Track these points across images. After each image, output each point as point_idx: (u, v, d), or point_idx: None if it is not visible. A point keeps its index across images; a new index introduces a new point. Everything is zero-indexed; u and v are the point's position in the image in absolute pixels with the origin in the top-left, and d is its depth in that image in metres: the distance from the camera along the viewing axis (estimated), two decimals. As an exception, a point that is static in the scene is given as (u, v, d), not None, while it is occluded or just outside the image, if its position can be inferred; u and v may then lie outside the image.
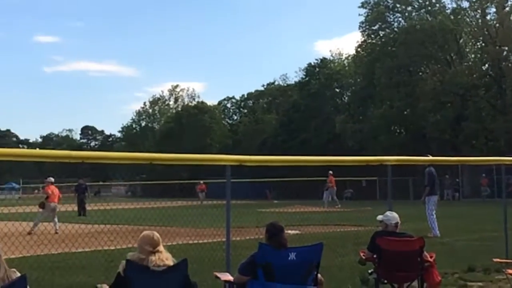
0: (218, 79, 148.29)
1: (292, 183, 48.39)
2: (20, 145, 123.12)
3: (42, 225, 20.75)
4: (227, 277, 7.06)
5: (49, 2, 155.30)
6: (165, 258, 5.81)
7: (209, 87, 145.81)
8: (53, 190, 22.58)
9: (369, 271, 8.44)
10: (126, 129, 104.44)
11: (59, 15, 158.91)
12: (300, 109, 69.07)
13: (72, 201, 31.34)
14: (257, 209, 29.08)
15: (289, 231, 7.01)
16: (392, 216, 8.42)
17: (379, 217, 8.59)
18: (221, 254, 9.75)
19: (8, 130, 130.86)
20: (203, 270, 9.30)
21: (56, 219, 21.47)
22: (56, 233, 20.07)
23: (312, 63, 71.51)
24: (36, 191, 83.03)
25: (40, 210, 21.96)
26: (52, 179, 23.22)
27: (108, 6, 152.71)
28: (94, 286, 6.63)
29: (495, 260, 9.57)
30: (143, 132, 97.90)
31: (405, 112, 57.18)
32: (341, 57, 73.46)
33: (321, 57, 72.51)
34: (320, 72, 69.88)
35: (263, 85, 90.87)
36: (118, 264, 5.74)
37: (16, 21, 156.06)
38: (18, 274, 5.23)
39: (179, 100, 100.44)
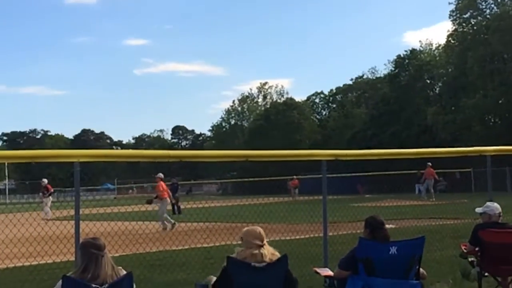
0: (306, 75, 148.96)
1: (383, 177, 47.80)
2: (114, 147, 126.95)
3: (143, 223, 21.21)
4: (327, 272, 7.05)
5: (138, 6, 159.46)
6: (271, 251, 5.86)
7: (297, 83, 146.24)
8: (163, 186, 23.05)
9: (470, 259, 8.24)
10: (215, 128, 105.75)
11: (148, 18, 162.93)
12: (390, 102, 68.17)
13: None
14: (350, 204, 28.84)
15: (386, 225, 6.94)
16: (495, 206, 8.19)
17: (478, 210, 8.37)
18: (318, 249, 9.74)
19: (102, 133, 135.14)
20: (301, 265, 9.32)
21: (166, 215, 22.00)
22: (164, 229, 20.69)
23: (402, 55, 70.32)
24: (130, 191, 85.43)
25: (154, 206, 22.52)
26: (162, 175, 23.51)
27: (194, 8, 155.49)
28: (194, 283, 6.75)
29: None
30: (232, 130, 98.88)
31: (500, 101, 55.37)
32: (431, 47, 72.03)
33: (411, 48, 71.30)
34: (410, 64, 68.63)
35: (351, 79, 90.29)
36: (217, 261, 5.82)
37: (106, 25, 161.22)
38: (124, 272, 5.39)
39: (268, 97, 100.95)
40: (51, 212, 28.29)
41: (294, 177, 49.91)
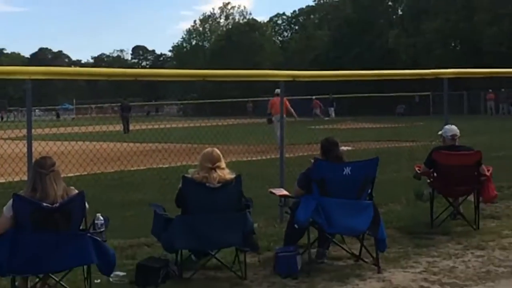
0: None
1: (344, 100, 48.03)
2: (72, 66, 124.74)
3: (98, 143, 20.89)
4: (282, 192, 7.07)
5: None
6: (225, 173, 5.91)
7: (259, 4, 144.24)
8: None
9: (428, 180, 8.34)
10: (176, 48, 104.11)
11: None
12: (352, 24, 67.65)
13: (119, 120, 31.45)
14: (308, 126, 28.90)
15: (342, 147, 6.94)
16: (449, 128, 8.27)
17: (440, 133, 8.47)
18: (274, 170, 9.73)
19: (60, 52, 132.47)
20: (257, 186, 9.33)
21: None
22: None
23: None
24: (89, 111, 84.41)
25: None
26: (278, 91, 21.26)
27: None
28: (149, 203, 6.74)
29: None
30: (193, 51, 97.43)
31: (461, 25, 55.39)
32: (394, -31, 71.22)
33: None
34: (374, -15, 67.87)
35: (314, 1, 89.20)
36: (172, 181, 5.78)
37: None
38: (76, 191, 5.32)
39: (230, 17, 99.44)
40: None
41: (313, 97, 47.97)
